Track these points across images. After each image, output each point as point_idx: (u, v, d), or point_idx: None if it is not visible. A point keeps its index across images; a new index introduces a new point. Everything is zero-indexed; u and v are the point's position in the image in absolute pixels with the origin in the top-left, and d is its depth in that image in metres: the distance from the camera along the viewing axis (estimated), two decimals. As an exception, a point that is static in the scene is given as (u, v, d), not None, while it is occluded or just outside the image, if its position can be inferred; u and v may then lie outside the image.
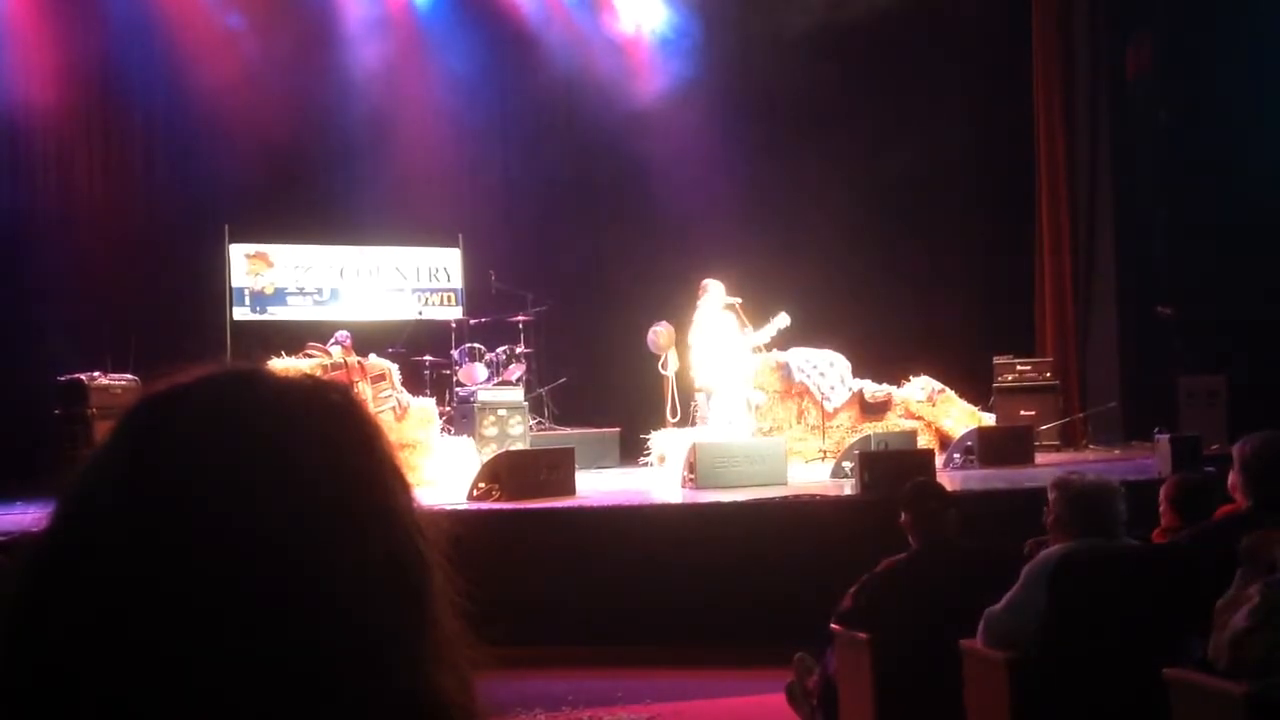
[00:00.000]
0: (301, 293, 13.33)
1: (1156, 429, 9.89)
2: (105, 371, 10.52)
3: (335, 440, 0.87)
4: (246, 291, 13.07)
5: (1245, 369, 10.96)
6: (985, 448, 10.55)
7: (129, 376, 10.37)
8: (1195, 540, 4.61)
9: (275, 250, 13.22)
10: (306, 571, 0.81)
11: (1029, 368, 12.38)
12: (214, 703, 0.77)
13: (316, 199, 13.06)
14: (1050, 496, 4.53)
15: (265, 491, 0.82)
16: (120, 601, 0.78)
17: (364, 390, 10.49)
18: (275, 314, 13.14)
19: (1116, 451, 11.87)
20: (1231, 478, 4.77)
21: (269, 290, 13.18)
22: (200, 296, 12.78)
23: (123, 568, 0.79)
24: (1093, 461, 10.87)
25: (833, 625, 5.22)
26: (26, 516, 8.05)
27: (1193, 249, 12.55)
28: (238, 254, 13.00)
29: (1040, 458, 10.83)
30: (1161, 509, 5.14)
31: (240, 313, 12.97)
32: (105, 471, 0.84)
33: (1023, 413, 12.01)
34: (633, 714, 6.50)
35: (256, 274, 13.14)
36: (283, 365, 10.12)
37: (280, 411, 0.87)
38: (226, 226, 12.75)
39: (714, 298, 11.03)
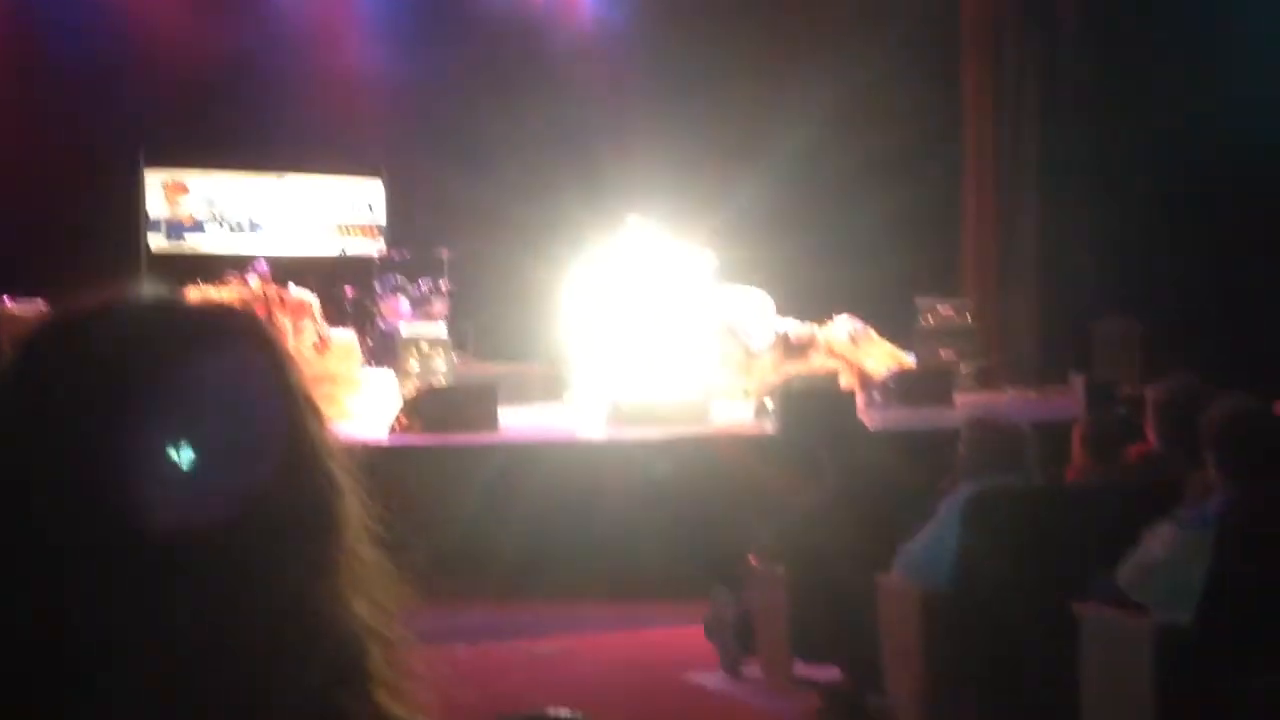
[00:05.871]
0: (220, 222, 13.05)
1: (1072, 371, 10.08)
2: (14, 298, 10.25)
3: (242, 366, 0.85)
4: (163, 220, 12.77)
5: (1159, 313, 11.17)
6: (905, 388, 10.68)
7: (39, 303, 10.10)
8: (1106, 480, 4.73)
9: (193, 178, 12.91)
10: (210, 496, 0.79)
11: (949, 309, 12.53)
12: (115, 633, 0.76)
13: (236, 124, 12.72)
14: (962, 436, 4.62)
15: (166, 416, 0.80)
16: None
17: (283, 322, 10.33)
18: (193, 243, 12.85)
19: (1033, 393, 12.08)
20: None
21: (186, 219, 12.88)
22: (114, 224, 12.42)
23: (5, 497, 0.77)
24: (1010, 402, 11.06)
25: (750, 560, 5.29)
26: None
27: (1113, 201, 12.73)
28: (154, 181, 12.67)
29: (959, 398, 11.00)
30: (1074, 449, 5.26)
31: (155, 240, 12.67)
32: None
33: (943, 353, 12.17)
34: (553, 646, 6.55)
35: (173, 202, 12.84)
36: (199, 294, 9.93)
37: (186, 336, 0.85)
38: (141, 151, 12.41)
39: (638, 233, 11.02)
